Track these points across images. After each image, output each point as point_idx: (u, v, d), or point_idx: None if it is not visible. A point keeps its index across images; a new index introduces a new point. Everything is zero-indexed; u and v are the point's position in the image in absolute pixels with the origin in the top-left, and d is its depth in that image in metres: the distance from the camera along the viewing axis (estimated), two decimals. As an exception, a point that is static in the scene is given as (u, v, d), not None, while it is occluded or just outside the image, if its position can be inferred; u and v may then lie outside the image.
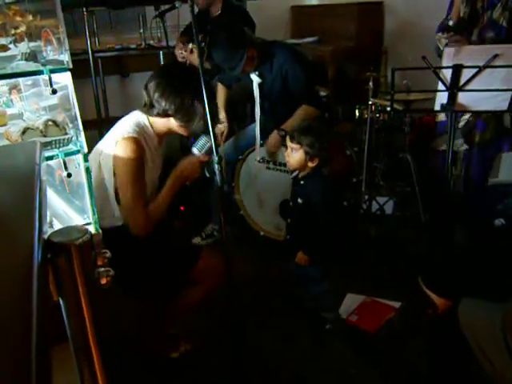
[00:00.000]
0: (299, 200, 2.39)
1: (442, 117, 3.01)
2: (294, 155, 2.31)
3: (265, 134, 3.14)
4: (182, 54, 3.80)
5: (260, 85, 3.13)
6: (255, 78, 3.11)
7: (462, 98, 2.39)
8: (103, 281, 0.78)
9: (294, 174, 2.44)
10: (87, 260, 0.74)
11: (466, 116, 2.91)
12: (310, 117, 3.07)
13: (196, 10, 3.81)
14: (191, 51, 3.67)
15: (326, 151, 2.30)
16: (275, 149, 3.11)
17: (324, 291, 2.46)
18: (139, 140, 2.00)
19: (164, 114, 2.04)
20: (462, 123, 2.94)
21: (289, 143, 2.34)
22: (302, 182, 2.37)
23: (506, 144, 3.03)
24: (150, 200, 2.07)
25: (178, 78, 2.07)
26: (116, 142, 1.97)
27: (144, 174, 2.04)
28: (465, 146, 2.99)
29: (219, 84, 3.49)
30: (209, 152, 2.11)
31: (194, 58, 3.60)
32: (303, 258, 2.37)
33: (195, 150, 2.15)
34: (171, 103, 2.00)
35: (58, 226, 1.69)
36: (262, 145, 3.16)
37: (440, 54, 2.89)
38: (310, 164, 2.30)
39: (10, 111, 1.90)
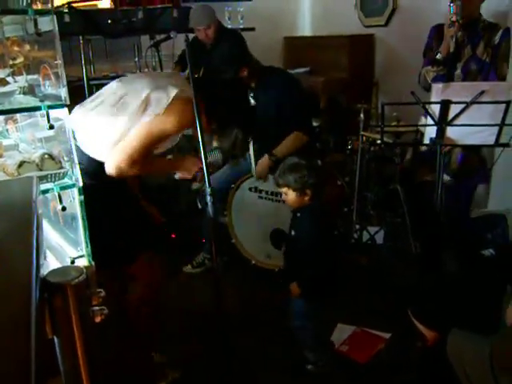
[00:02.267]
0: (292, 232, 2.38)
1: (422, 148, 3.08)
2: (288, 197, 2.31)
3: (256, 162, 3.16)
4: None
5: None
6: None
7: (451, 132, 2.45)
8: (97, 319, 0.80)
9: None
10: (83, 300, 0.76)
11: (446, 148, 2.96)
12: (300, 143, 3.11)
13: (190, 37, 3.88)
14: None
15: (314, 179, 2.26)
16: (264, 173, 3.13)
17: (304, 328, 2.38)
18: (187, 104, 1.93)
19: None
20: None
21: (279, 189, 2.36)
22: (298, 215, 2.35)
23: (483, 175, 3.10)
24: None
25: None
26: (171, 102, 1.91)
27: (166, 140, 2.04)
28: (448, 178, 3.03)
29: None
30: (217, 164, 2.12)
31: None
32: (295, 290, 2.31)
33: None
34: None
35: (51, 257, 1.70)
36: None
37: (426, 88, 2.96)
38: (306, 198, 2.29)
39: (5, 142, 1.93)
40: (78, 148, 2.00)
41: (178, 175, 2.26)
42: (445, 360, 1.80)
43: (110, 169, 1.94)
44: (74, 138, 1.99)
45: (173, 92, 1.93)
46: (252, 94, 3.13)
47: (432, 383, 2.20)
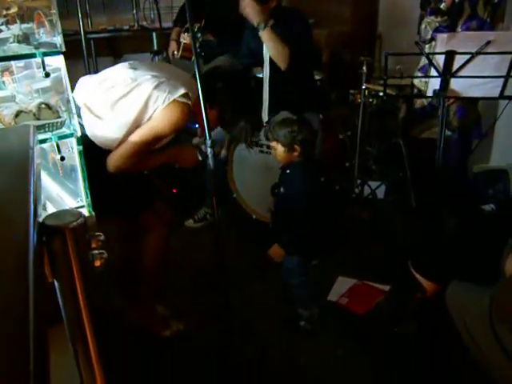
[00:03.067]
0: (281, 189, 2.36)
1: (419, 103, 3.04)
2: (277, 152, 2.28)
3: (271, 113, 3.10)
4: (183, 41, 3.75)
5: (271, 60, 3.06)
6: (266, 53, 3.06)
7: (455, 84, 2.41)
8: (97, 263, 0.79)
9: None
10: (81, 243, 0.75)
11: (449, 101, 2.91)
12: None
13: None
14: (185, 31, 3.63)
15: (304, 135, 2.21)
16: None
17: (298, 285, 2.38)
18: (190, 110, 1.97)
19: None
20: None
21: (269, 143, 2.34)
22: (287, 171, 2.31)
23: (480, 129, 3.07)
24: None
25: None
26: (178, 100, 1.93)
27: (161, 141, 2.05)
28: (449, 133, 3.00)
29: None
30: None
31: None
32: (277, 252, 2.31)
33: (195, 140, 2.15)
34: None
35: (51, 208, 1.70)
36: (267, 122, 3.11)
37: (425, 40, 2.90)
38: (295, 154, 2.25)
39: (2, 93, 1.90)
40: (80, 127, 2.01)
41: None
42: (444, 311, 1.82)
43: (109, 168, 1.98)
44: (80, 117, 2.00)
45: (175, 93, 1.93)
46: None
47: (431, 334, 2.24)
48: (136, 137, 1.95)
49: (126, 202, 2.15)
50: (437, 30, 2.86)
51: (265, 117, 3.08)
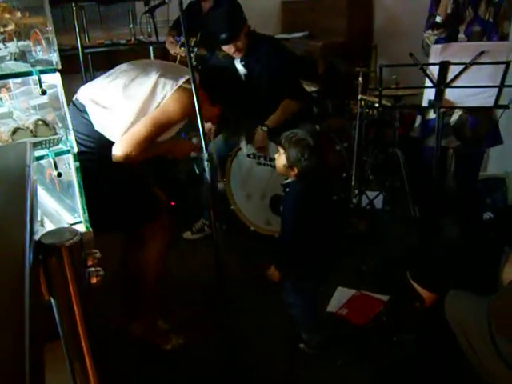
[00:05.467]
0: (281, 208, 2.34)
1: (431, 114, 3.02)
2: (280, 159, 2.25)
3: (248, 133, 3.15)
4: (173, 49, 3.81)
5: (245, 76, 3.14)
6: (241, 69, 3.13)
7: (450, 94, 2.42)
8: (93, 280, 0.80)
9: (286, 181, 2.34)
10: (78, 260, 0.75)
11: (460, 112, 2.91)
12: (292, 111, 3.10)
13: (187, 1, 3.83)
14: (181, 46, 3.68)
15: (309, 163, 2.17)
16: (262, 143, 3.12)
17: (293, 304, 2.35)
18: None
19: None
20: (454, 118, 2.93)
21: (278, 147, 2.29)
22: (287, 190, 2.29)
23: (492, 139, 3.06)
24: None
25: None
26: (184, 86, 2.01)
27: (171, 128, 2.10)
28: (457, 143, 2.99)
29: None
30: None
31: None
32: (274, 274, 2.26)
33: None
34: None
35: (48, 224, 1.71)
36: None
37: (428, 53, 2.91)
38: (292, 173, 2.22)
39: (-1, 110, 1.91)
40: (88, 124, 2.06)
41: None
42: (443, 320, 1.82)
43: (118, 155, 2.01)
44: (86, 113, 2.05)
45: (181, 79, 2.03)
46: (243, 63, 3.11)
47: (431, 344, 2.24)
48: (149, 121, 2.01)
49: (129, 215, 2.17)
50: (437, 43, 2.86)
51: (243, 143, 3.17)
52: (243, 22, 3.03)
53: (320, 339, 2.37)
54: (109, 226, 2.08)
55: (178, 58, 4.08)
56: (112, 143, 2.05)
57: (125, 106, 2.02)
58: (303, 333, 2.38)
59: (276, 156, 2.30)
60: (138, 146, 2.00)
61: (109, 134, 2.06)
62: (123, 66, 2.19)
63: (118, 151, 2.00)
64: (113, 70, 2.19)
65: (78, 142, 1.95)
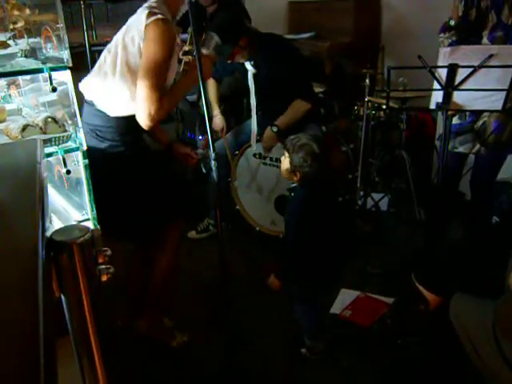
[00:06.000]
0: (285, 214, 2.33)
1: (455, 119, 2.96)
2: (284, 162, 2.23)
3: (261, 129, 3.16)
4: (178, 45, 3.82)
5: (255, 76, 3.14)
6: (250, 68, 3.12)
7: (458, 97, 2.41)
8: (104, 278, 0.80)
9: (292, 185, 2.33)
10: (88, 258, 0.76)
11: (485, 118, 2.87)
12: (302, 111, 3.09)
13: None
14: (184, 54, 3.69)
15: (310, 169, 2.14)
16: (271, 143, 3.12)
17: (298, 311, 2.35)
18: (171, 24, 1.96)
19: None
20: (479, 123, 2.90)
21: (284, 150, 2.26)
22: (292, 194, 2.28)
23: None
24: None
25: None
26: (148, 24, 1.93)
27: (169, 65, 2.02)
28: (477, 148, 2.93)
29: (210, 79, 3.48)
30: (218, 50, 2.10)
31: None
32: (274, 282, 2.23)
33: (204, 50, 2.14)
34: None
35: (56, 221, 1.71)
36: (258, 140, 3.18)
37: None
38: (294, 178, 2.20)
39: (8, 107, 1.92)
40: (103, 115, 2.04)
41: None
42: (448, 323, 1.82)
43: (143, 121, 1.96)
44: (96, 107, 2.04)
45: (143, 21, 1.95)
46: (252, 63, 3.10)
47: (435, 346, 2.24)
48: (142, 72, 1.93)
49: (157, 211, 2.17)
50: (450, 46, 2.84)
51: (254, 132, 3.17)
52: (237, 37, 2.96)
53: (322, 347, 2.36)
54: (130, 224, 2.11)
55: (183, 60, 4.09)
56: (131, 125, 2.02)
57: (114, 78, 1.99)
58: (306, 338, 2.37)
59: (282, 159, 2.28)
60: (152, 100, 1.92)
61: (124, 112, 2.03)
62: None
63: (139, 117, 1.95)
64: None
65: (101, 136, 1.97)
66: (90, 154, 1.70)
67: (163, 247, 2.25)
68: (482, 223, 3.24)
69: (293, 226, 2.23)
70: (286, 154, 2.21)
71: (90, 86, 2.09)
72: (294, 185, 2.28)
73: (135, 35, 1.96)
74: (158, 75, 1.93)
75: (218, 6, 3.91)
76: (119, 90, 2.00)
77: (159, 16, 1.93)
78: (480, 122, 2.86)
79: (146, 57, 1.93)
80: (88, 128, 1.97)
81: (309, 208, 2.20)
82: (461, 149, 2.95)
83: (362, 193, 3.58)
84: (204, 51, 2.09)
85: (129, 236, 2.21)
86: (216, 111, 3.41)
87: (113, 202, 1.97)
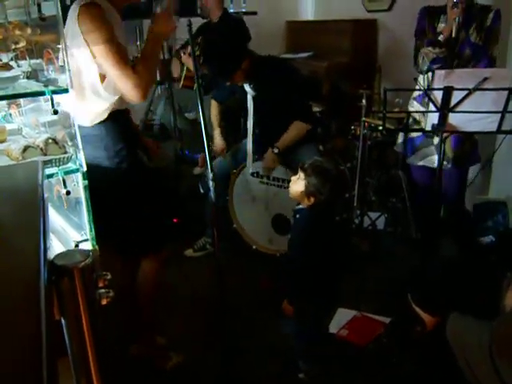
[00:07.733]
0: (289, 235, 2.32)
1: (415, 133, 3.05)
2: (297, 184, 2.18)
3: (259, 148, 3.18)
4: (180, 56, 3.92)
5: (254, 98, 3.17)
6: (249, 91, 3.15)
7: (453, 118, 2.45)
8: (104, 301, 0.81)
9: (297, 206, 2.29)
10: (89, 282, 0.77)
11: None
12: (302, 132, 3.11)
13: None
14: (189, 55, 3.76)
15: (326, 196, 2.13)
16: (272, 165, 3.14)
17: (294, 333, 2.34)
18: (99, 4, 1.89)
19: None
20: (437, 140, 2.92)
21: (299, 171, 2.20)
22: (297, 216, 2.25)
23: (474, 157, 3.05)
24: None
25: None
26: (77, 15, 1.85)
27: (118, 38, 1.94)
28: (446, 163, 2.97)
29: (212, 100, 3.53)
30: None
31: (190, 63, 3.71)
32: (287, 308, 2.22)
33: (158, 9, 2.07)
34: None
35: (55, 240, 1.72)
36: (256, 159, 3.20)
37: (422, 71, 2.92)
38: (306, 201, 2.17)
39: (8, 126, 1.93)
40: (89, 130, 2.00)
41: None
42: (445, 344, 1.83)
43: (134, 96, 1.94)
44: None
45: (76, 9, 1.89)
46: (252, 85, 3.13)
47: (432, 367, 2.23)
48: (103, 60, 1.89)
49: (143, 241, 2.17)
50: (434, 62, 2.86)
51: (249, 152, 3.19)
52: (241, 59, 3.00)
53: (319, 370, 2.34)
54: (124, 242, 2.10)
55: (183, 75, 4.15)
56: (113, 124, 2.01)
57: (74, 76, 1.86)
58: (301, 362, 2.34)
59: (293, 179, 2.24)
60: (128, 75, 1.89)
61: (110, 101, 1.98)
62: None
63: (129, 96, 1.94)
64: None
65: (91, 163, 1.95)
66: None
67: (144, 261, 2.24)
68: (469, 241, 3.27)
69: (300, 246, 2.21)
70: (302, 176, 2.16)
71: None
72: (299, 206, 2.24)
73: (71, 24, 1.89)
74: (115, 52, 1.89)
75: (222, 15, 3.99)
76: (89, 78, 1.94)
77: (82, 2, 1.88)
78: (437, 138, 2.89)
79: (94, 44, 1.87)
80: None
81: (316, 229, 2.19)
82: (421, 163, 3.01)
83: (358, 211, 3.59)
84: (157, 10, 2.06)
85: (117, 247, 2.21)
86: (216, 133, 3.45)
87: (100, 211, 1.96)
